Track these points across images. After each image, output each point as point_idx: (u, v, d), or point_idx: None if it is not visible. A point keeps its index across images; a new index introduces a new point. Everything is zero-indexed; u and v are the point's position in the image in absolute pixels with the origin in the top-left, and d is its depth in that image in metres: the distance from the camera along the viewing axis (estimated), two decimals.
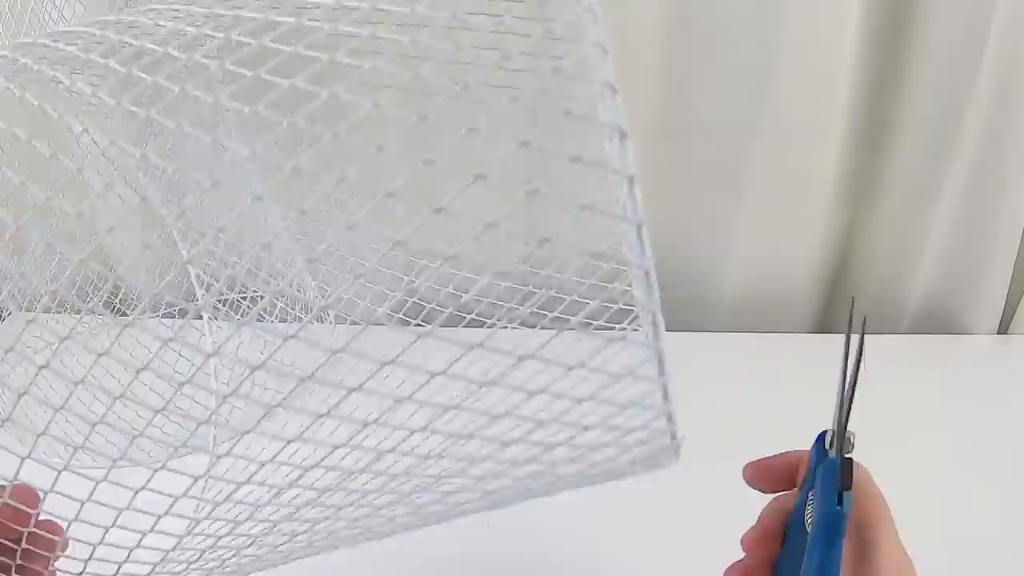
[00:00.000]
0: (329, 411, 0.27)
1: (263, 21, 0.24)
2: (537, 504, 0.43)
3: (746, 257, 0.82)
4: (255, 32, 0.24)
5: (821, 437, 0.36)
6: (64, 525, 0.29)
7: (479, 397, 0.28)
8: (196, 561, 0.31)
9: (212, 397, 0.29)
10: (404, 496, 0.32)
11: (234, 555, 0.34)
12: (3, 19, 0.60)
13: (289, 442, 0.27)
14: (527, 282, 0.43)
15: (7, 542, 0.29)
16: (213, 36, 0.24)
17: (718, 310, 0.85)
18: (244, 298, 0.59)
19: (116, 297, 0.71)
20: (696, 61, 0.74)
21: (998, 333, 0.82)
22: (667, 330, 0.25)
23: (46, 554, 0.30)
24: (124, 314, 0.69)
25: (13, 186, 0.27)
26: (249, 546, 0.33)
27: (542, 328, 0.26)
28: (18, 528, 0.29)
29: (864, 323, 0.35)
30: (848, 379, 0.35)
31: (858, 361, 0.34)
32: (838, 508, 0.32)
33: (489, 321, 0.42)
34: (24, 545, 0.30)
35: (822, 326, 0.87)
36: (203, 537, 0.31)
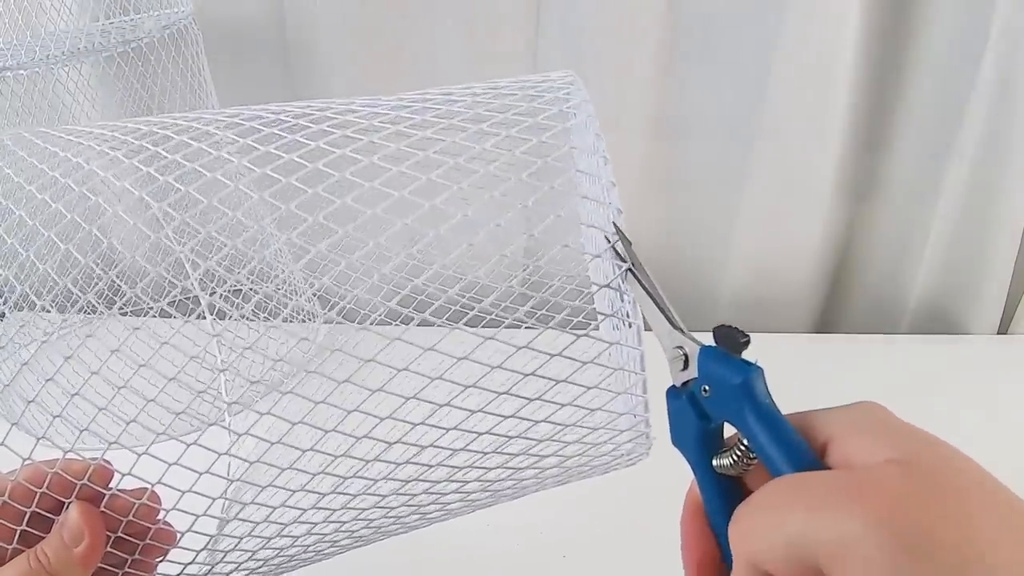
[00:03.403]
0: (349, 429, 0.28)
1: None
2: (537, 505, 0.43)
3: (746, 257, 0.82)
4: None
5: (672, 388, 0.28)
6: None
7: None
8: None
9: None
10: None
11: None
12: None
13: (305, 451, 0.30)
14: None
15: (128, 536, 0.30)
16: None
17: (718, 310, 0.85)
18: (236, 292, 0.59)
19: (121, 296, 0.71)
20: (696, 61, 0.74)
21: (998, 333, 0.82)
22: None
23: (165, 547, 0.31)
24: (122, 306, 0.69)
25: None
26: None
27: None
28: (145, 524, 0.31)
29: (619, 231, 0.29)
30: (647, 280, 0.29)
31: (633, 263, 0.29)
32: (750, 364, 0.25)
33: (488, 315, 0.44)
34: (147, 540, 0.31)
35: (822, 326, 0.87)
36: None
